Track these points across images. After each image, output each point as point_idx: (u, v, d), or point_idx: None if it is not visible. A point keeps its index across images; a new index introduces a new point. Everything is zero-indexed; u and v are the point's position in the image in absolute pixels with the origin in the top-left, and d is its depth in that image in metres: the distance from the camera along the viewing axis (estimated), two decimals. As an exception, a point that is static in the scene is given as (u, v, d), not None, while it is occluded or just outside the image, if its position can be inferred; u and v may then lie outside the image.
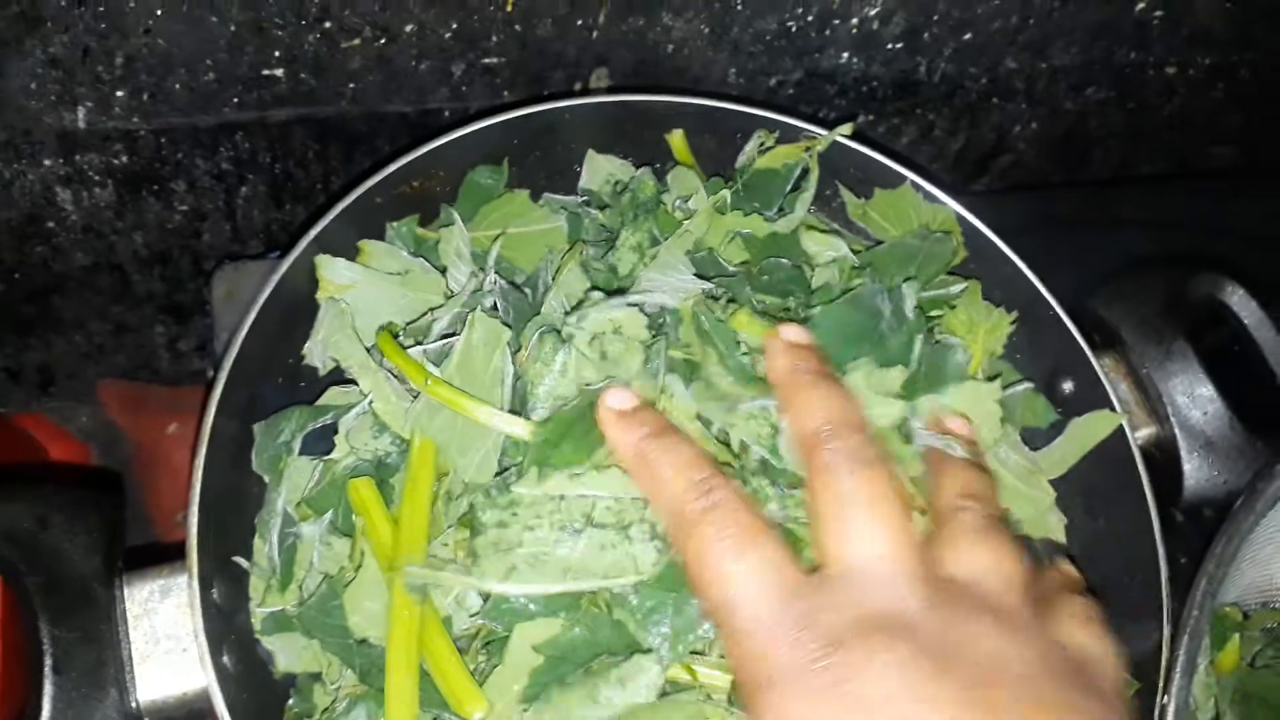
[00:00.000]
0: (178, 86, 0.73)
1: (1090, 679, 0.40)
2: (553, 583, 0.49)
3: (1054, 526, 0.61)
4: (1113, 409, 0.59)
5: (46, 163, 0.78)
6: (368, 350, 0.56)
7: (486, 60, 0.77)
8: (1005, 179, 1.05)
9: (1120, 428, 0.59)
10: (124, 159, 0.79)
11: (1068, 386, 0.62)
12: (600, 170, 0.66)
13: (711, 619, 0.44)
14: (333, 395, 0.57)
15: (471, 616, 0.50)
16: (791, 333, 0.51)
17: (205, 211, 0.86)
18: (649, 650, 0.49)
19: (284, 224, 0.89)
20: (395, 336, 0.56)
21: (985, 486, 0.47)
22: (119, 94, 0.73)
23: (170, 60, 0.71)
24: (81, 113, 0.74)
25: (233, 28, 0.70)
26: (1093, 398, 0.61)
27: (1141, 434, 0.63)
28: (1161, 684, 0.53)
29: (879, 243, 0.64)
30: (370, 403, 0.54)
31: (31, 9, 0.65)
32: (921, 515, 0.50)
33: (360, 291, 0.58)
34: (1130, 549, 0.57)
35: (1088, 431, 0.59)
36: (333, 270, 0.58)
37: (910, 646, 0.36)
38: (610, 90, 0.80)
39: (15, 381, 1.03)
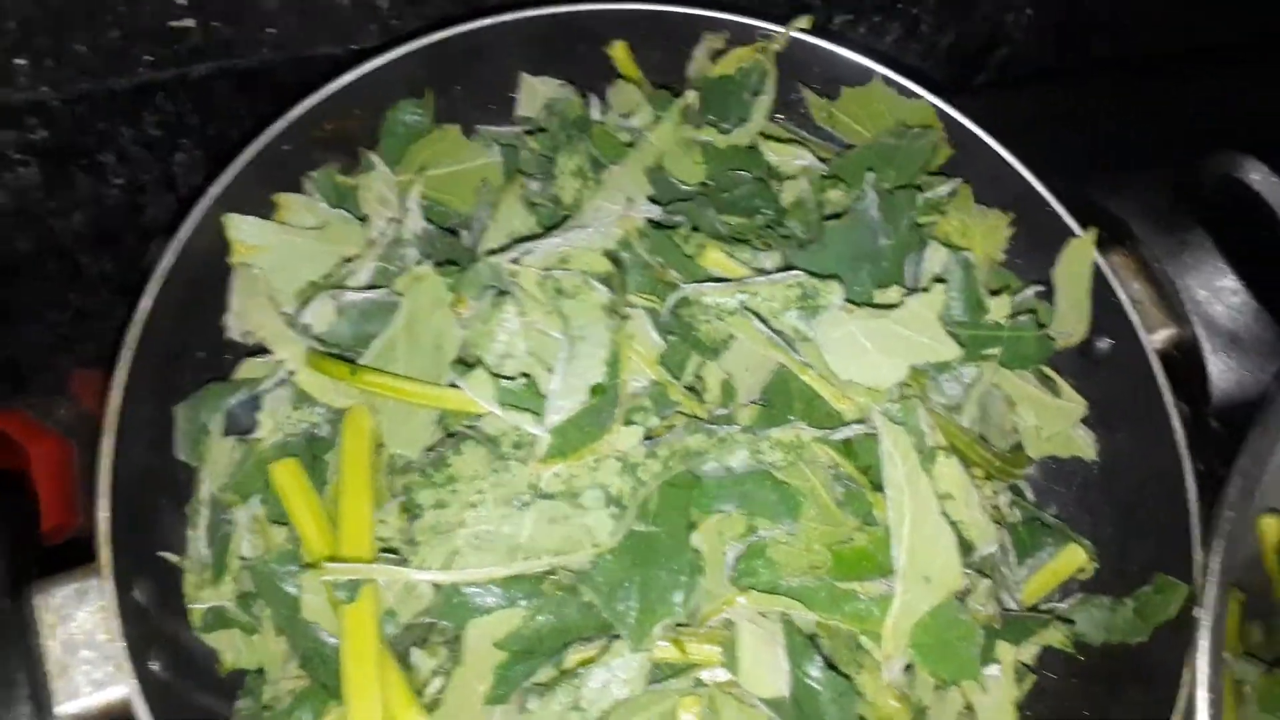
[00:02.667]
0: (82, 48, 0.68)
1: None
2: (498, 565, 0.44)
3: (1083, 444, 0.55)
4: (1124, 314, 0.53)
5: (-41, 145, 0.73)
6: (286, 315, 0.51)
7: (415, -12, 0.71)
8: (1004, 73, 0.97)
9: (1134, 331, 0.53)
10: (42, 133, 0.74)
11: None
12: (537, 94, 0.60)
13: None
14: (250, 367, 0.52)
15: (418, 616, 0.45)
16: None
17: (142, 183, 0.81)
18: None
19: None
20: (311, 298, 0.51)
21: None
22: (19, 62, 0.67)
23: (66, 20, 0.65)
24: (-16, 87, 0.68)
25: (128, -24, 0.64)
26: (1104, 299, 0.55)
27: (1159, 336, 0.56)
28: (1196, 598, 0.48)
29: (849, 146, 0.57)
30: (290, 374, 0.49)
31: (-98, -23, 0.60)
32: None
33: (275, 251, 0.53)
34: (1152, 464, 0.51)
35: (1070, 270, 0.53)
36: (242, 230, 0.53)
37: None
38: (548, 3, 0.74)
39: (-13, 381, 0.99)
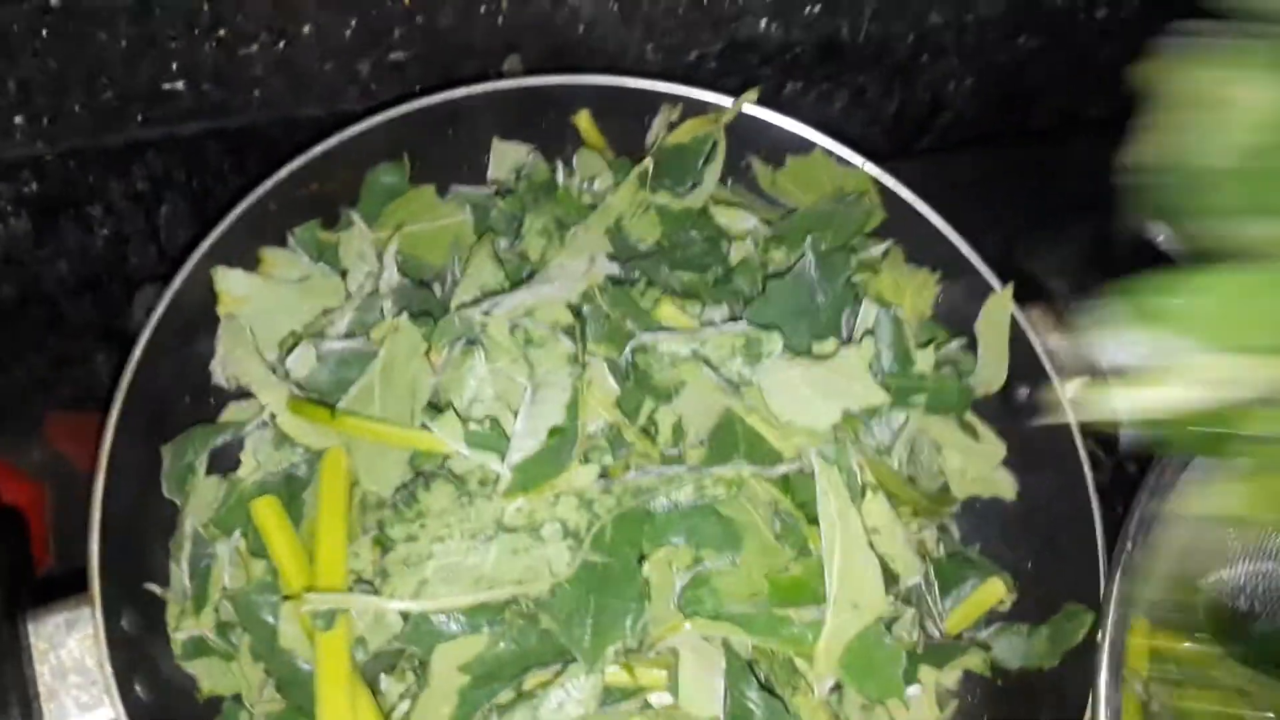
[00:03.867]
0: (77, 108, 0.72)
1: None
2: (464, 594, 0.48)
3: (1003, 485, 0.60)
4: (1041, 366, 0.58)
5: (-45, 197, 0.76)
6: (269, 362, 0.55)
7: (393, 55, 0.76)
8: (948, 137, 1.03)
9: (1050, 380, 0.58)
10: (34, 186, 0.77)
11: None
12: (507, 158, 0.65)
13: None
14: (234, 411, 0.56)
15: (391, 641, 0.48)
16: None
17: (127, 234, 0.84)
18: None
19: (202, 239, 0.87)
20: (294, 346, 0.55)
21: None
22: (17, 120, 0.71)
23: (65, 81, 0.69)
24: (-18, 143, 0.72)
25: (124, 43, 0.68)
26: (1023, 352, 0.60)
27: (1073, 384, 0.61)
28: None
29: (792, 210, 0.62)
30: (272, 417, 0.53)
31: (-89, 40, 0.63)
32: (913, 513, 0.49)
33: (259, 302, 0.57)
34: (1066, 503, 0.56)
35: (990, 323, 0.58)
36: (229, 282, 0.57)
37: None
38: (521, 76, 0.79)
39: (-39, 422, 1.01)
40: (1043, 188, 0.88)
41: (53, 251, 0.83)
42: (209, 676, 0.53)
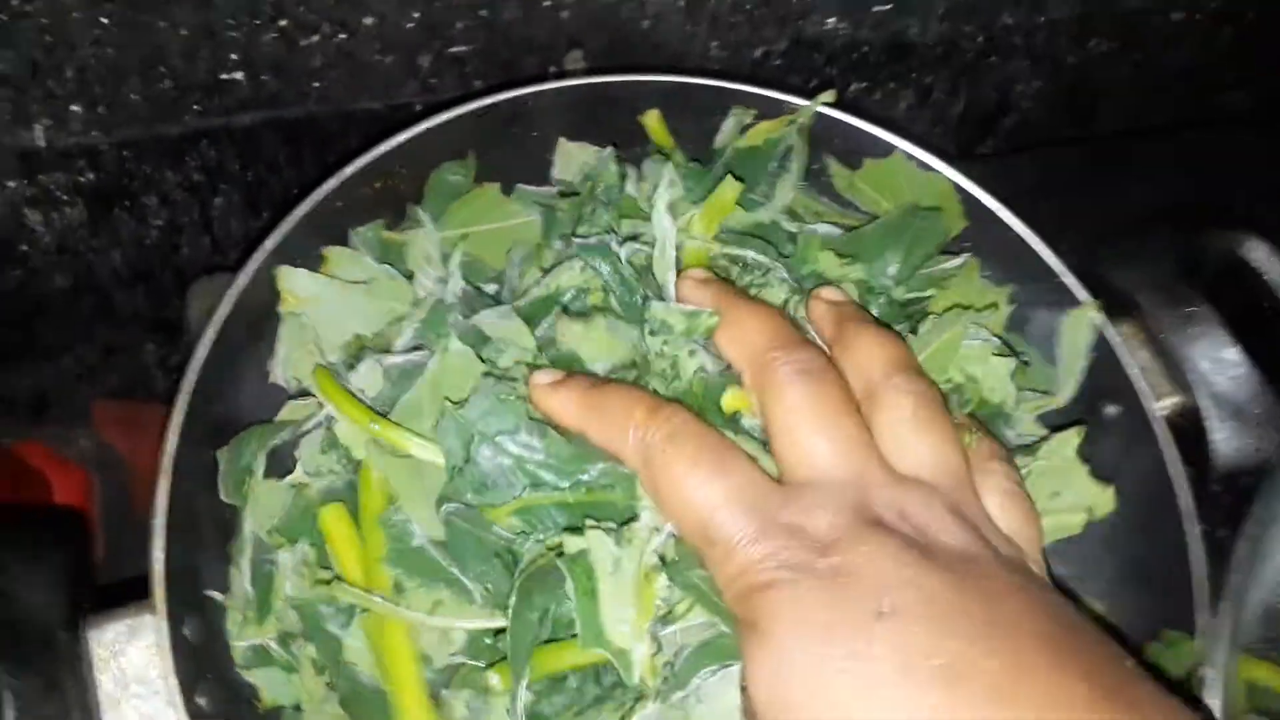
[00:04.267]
0: (134, 96, 0.71)
1: (1020, 559, 0.42)
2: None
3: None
4: (1130, 382, 0.55)
5: (11, 184, 0.75)
6: (331, 365, 0.54)
7: (454, 49, 0.74)
8: (1011, 140, 1.01)
9: (1140, 399, 0.56)
10: (90, 175, 0.76)
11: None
12: (573, 158, 0.63)
13: (693, 541, 0.42)
14: (291, 410, 0.54)
15: (451, 655, 0.47)
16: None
17: (181, 225, 0.83)
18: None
19: (263, 232, 0.86)
20: (360, 351, 0.53)
21: (902, 351, 0.46)
22: (75, 109, 0.70)
23: (123, 70, 0.68)
24: (39, 130, 0.71)
25: (184, 32, 0.67)
26: (1112, 369, 0.57)
27: (1165, 404, 0.59)
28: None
29: (873, 216, 0.60)
30: (329, 419, 0.51)
31: (-29, 27, 0.63)
32: None
33: (323, 303, 0.55)
34: (1155, 526, 0.54)
35: (1072, 338, 0.56)
36: (293, 282, 0.55)
37: (893, 539, 0.39)
38: (587, 73, 0.77)
39: (10, 410, 1.01)
40: (1114, 195, 0.85)
41: (106, 241, 0.83)
42: (270, 687, 0.52)
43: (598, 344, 0.50)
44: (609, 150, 0.59)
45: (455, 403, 0.47)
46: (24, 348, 0.92)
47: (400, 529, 0.48)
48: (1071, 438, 0.52)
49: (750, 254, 0.53)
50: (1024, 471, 0.51)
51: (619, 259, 0.52)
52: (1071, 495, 0.52)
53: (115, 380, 1.01)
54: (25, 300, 0.86)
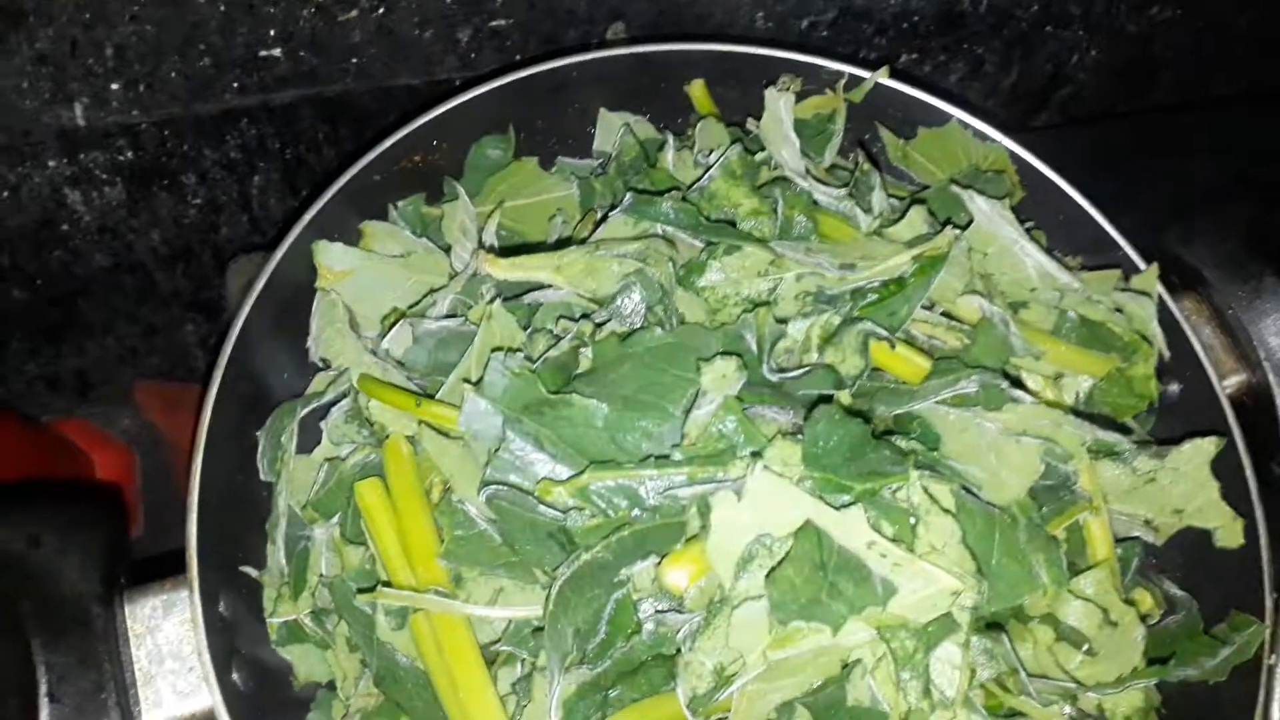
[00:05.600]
0: (173, 74, 0.70)
1: None
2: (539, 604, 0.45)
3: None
4: (1196, 360, 0.53)
5: (51, 164, 0.75)
6: (369, 340, 0.53)
7: (494, 23, 0.73)
8: (1066, 112, 0.98)
9: (1206, 376, 0.53)
10: (129, 154, 0.76)
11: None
12: (615, 129, 0.61)
13: None
14: (319, 381, 0.53)
15: (491, 646, 0.46)
16: None
17: (220, 204, 0.83)
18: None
19: (301, 210, 0.86)
20: (394, 324, 0.52)
21: None
22: (114, 87, 0.70)
23: (161, 47, 0.68)
24: (79, 109, 0.71)
25: (222, 8, 0.66)
26: (1176, 345, 0.55)
27: (1231, 382, 0.56)
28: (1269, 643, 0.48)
29: (924, 187, 0.58)
30: (355, 392, 0.50)
31: (11, 3, 0.62)
32: None
33: (360, 277, 0.54)
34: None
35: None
36: (330, 256, 0.54)
37: None
38: (629, 43, 0.75)
39: (54, 389, 1.01)
40: (1175, 168, 0.82)
41: (147, 220, 0.82)
42: (305, 663, 0.51)
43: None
44: (639, 119, 0.58)
45: (471, 383, 0.45)
46: (67, 327, 0.93)
47: (462, 515, 0.47)
48: (1207, 448, 0.50)
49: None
50: (1148, 474, 0.48)
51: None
52: (1197, 514, 0.50)
53: (157, 360, 1.01)
54: (68, 279, 0.86)
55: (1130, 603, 0.47)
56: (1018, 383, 0.49)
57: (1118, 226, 0.58)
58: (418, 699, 0.46)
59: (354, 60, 0.73)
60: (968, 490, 0.43)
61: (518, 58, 0.76)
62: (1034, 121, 0.97)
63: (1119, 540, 0.51)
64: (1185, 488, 0.49)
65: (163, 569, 0.50)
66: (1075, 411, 0.49)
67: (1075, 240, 0.58)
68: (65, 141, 0.73)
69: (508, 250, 0.55)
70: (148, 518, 1.00)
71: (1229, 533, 0.49)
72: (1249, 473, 0.51)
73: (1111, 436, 0.48)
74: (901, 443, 0.44)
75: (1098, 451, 0.50)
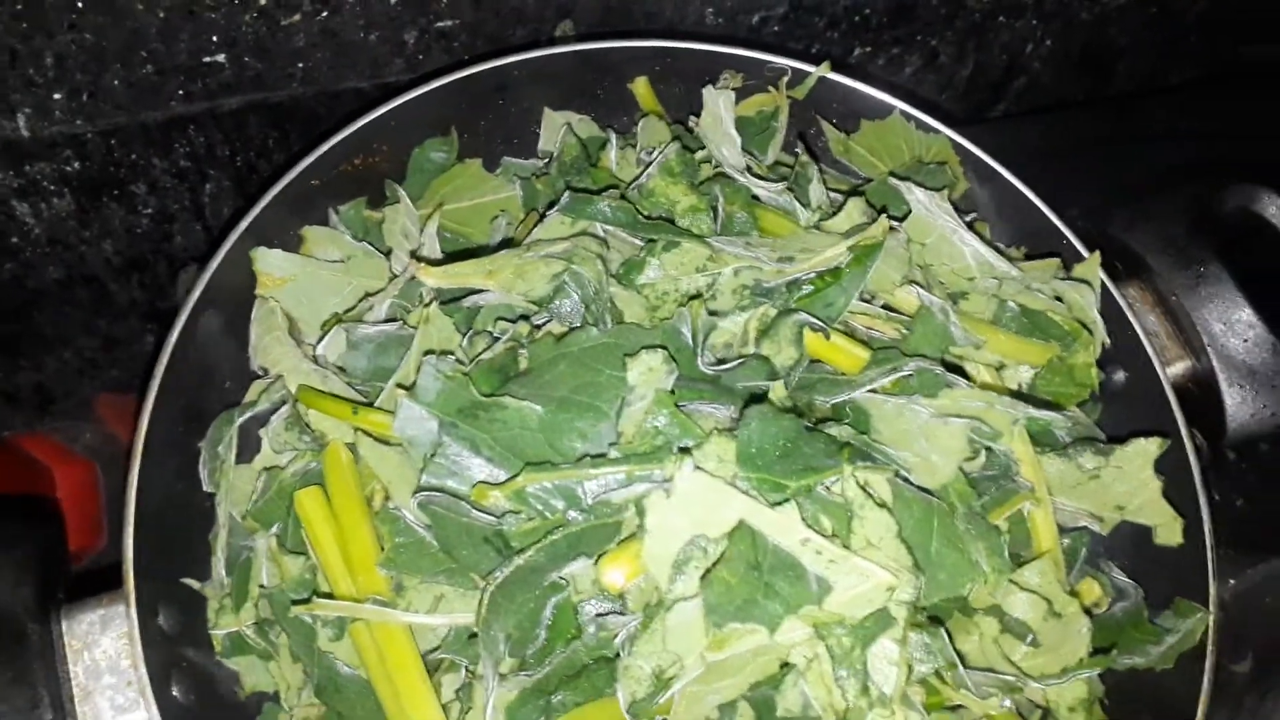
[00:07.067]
0: (116, 83, 0.69)
1: None
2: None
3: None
4: (1140, 347, 0.53)
5: (-3, 176, 0.74)
6: (310, 346, 0.52)
7: (440, 24, 0.72)
8: (1022, 102, 0.98)
9: (1150, 364, 0.53)
10: (76, 165, 0.75)
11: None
12: (558, 129, 0.61)
13: None
14: (257, 388, 0.53)
15: (433, 653, 0.45)
16: None
17: (172, 212, 0.82)
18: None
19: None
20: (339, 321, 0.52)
21: None
22: (56, 96, 0.69)
23: (102, 55, 0.67)
24: (21, 120, 0.70)
25: (162, 14, 0.66)
26: (1120, 332, 0.55)
27: (1175, 369, 0.56)
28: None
29: (866, 180, 0.58)
30: (294, 400, 0.50)
31: (-56, 15, 0.61)
32: None
33: (300, 283, 0.54)
34: (1171, 494, 0.51)
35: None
36: (269, 263, 0.54)
37: None
38: (575, 41, 0.75)
39: (13, 404, 1.00)
40: (1128, 156, 0.82)
41: (97, 232, 0.82)
42: (251, 674, 0.51)
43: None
44: (583, 118, 0.57)
45: (404, 388, 0.45)
46: (22, 341, 0.92)
47: (401, 522, 0.46)
48: (1150, 449, 0.50)
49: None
50: (1093, 470, 0.48)
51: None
52: (1139, 512, 0.50)
53: (117, 373, 1.00)
54: (21, 293, 0.85)
55: (1074, 594, 0.47)
56: (959, 370, 0.49)
57: (1067, 215, 0.58)
58: (360, 708, 0.46)
59: (300, 65, 0.72)
60: (903, 478, 0.43)
61: (465, 58, 0.75)
62: (991, 112, 0.97)
63: (1067, 530, 0.51)
64: (1128, 486, 0.49)
65: (102, 584, 0.50)
66: (1012, 393, 0.48)
67: (1021, 230, 0.58)
68: (10, 153, 0.72)
69: (451, 255, 0.55)
70: (113, 530, 0.99)
71: (1168, 531, 0.50)
72: (1192, 459, 0.51)
73: (1044, 415, 0.48)
74: (835, 430, 0.44)
75: (1044, 445, 0.50)
